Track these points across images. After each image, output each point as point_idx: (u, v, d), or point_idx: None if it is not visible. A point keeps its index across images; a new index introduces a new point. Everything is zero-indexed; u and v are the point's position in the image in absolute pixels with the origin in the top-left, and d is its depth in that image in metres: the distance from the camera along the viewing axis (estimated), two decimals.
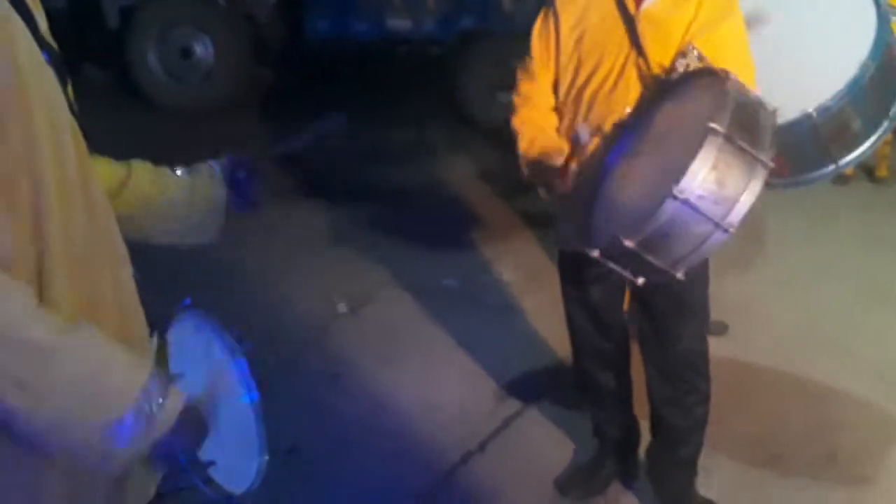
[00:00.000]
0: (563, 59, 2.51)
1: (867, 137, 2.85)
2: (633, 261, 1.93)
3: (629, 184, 2.18)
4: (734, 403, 3.27)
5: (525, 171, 2.53)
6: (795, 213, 5.01)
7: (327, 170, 6.05)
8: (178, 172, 1.59)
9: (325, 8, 7.45)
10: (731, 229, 1.83)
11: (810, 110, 2.64)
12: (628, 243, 1.86)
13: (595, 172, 2.33)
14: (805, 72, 2.72)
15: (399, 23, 7.41)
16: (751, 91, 2.02)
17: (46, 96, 1.16)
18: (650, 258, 1.90)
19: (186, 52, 7.62)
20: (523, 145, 2.54)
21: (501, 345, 3.88)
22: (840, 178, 5.56)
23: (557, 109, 2.58)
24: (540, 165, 2.45)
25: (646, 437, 2.94)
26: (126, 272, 1.36)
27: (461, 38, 7.49)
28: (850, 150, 2.88)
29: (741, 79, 2.06)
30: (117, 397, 1.16)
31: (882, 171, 6.55)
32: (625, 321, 2.82)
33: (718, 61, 2.21)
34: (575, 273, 2.70)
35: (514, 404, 3.48)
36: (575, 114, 2.52)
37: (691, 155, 1.80)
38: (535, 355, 3.83)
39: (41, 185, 1.13)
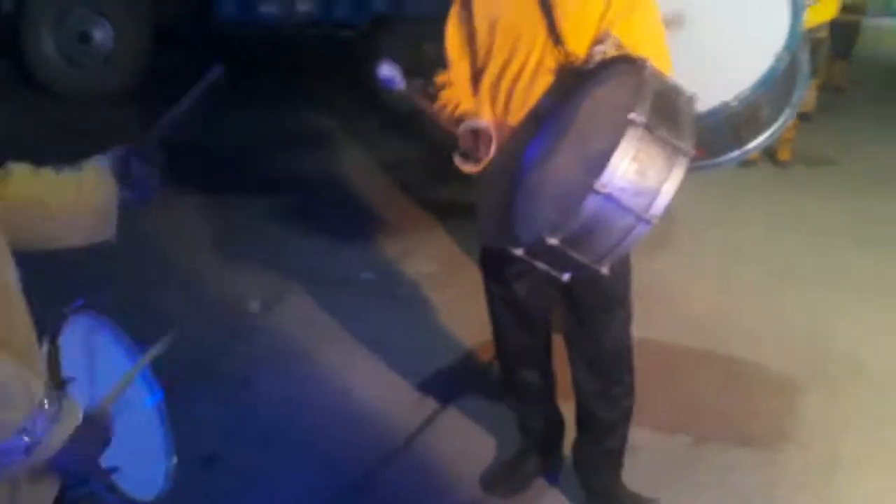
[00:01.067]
0: (478, 46, 2.46)
1: (773, 123, 3.10)
2: (557, 257, 1.91)
3: (549, 177, 2.14)
4: (653, 386, 3.26)
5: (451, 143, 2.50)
6: (704, 196, 5.07)
7: (234, 158, 5.87)
8: (60, 173, 1.50)
9: None
10: (654, 221, 1.82)
11: (729, 99, 2.72)
12: (552, 241, 1.84)
13: (513, 163, 2.29)
14: (723, 63, 2.75)
15: (308, 6, 7.23)
16: (669, 78, 2.00)
17: None
18: (574, 254, 1.88)
19: (85, 37, 7.26)
20: (445, 115, 2.52)
21: (420, 339, 3.80)
22: (745, 162, 5.70)
23: (477, 97, 2.52)
24: (462, 130, 2.41)
25: (570, 432, 2.91)
26: (8, 274, 1.29)
27: (373, 23, 7.37)
28: (757, 135, 3.11)
29: (657, 65, 2.04)
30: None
31: (784, 155, 6.75)
32: (548, 317, 2.78)
33: (634, 48, 2.20)
34: (498, 270, 2.64)
35: (434, 400, 3.40)
36: (494, 104, 2.47)
37: (611, 147, 1.78)
38: (454, 349, 3.77)
39: None
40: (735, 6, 2.88)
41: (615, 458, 2.81)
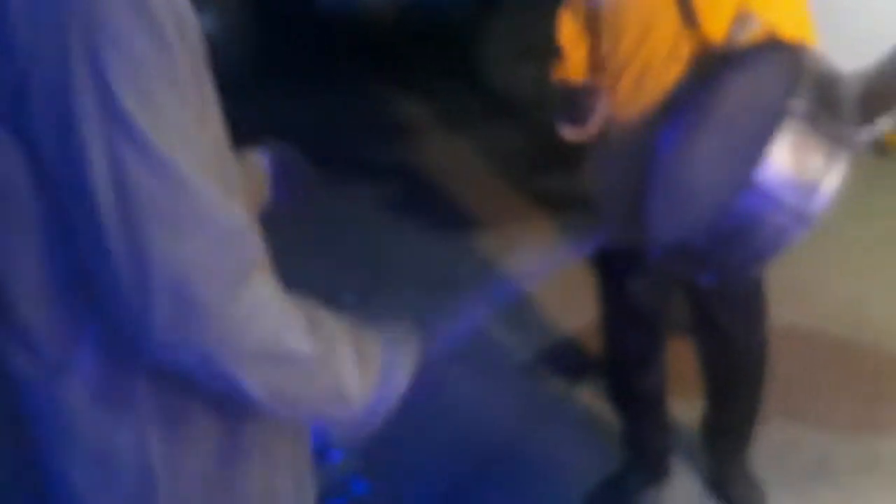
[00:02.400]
0: (601, 34, 2.27)
1: None
2: (700, 260, 1.79)
3: (692, 170, 1.97)
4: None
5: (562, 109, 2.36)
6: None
7: (332, 146, 5.78)
8: None
9: None
10: (813, 220, 1.66)
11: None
12: (699, 242, 1.72)
13: (642, 157, 2.11)
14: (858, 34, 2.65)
15: None
16: (827, 63, 1.78)
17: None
18: (721, 256, 1.75)
19: None
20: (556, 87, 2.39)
21: (524, 335, 3.61)
22: (881, 149, 5.27)
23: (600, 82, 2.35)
24: (567, 90, 2.29)
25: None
26: None
27: (480, 3, 7.15)
28: None
29: (802, 41, 1.92)
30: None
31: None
32: (665, 318, 2.61)
33: (778, 24, 2.01)
34: (617, 269, 2.48)
35: (538, 402, 3.23)
36: (619, 93, 2.28)
37: (767, 138, 1.61)
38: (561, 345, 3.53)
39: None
40: None
41: (749, 429, 2.72)
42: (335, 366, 1.12)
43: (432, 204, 4.99)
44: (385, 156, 5.73)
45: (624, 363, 2.71)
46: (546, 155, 5.86)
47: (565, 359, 3.42)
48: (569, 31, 2.35)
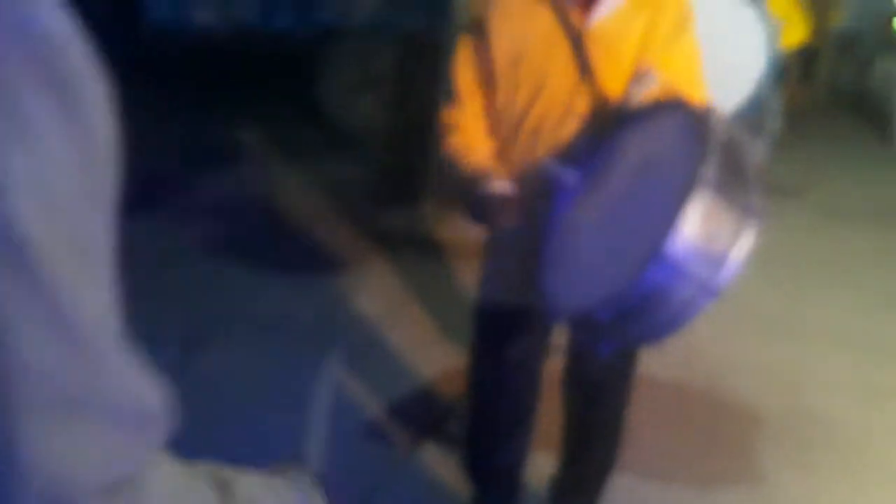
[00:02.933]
0: (499, 82, 2.13)
1: None
2: (602, 331, 1.72)
3: (593, 238, 1.87)
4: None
5: (463, 203, 2.26)
6: None
7: (160, 179, 5.39)
8: None
9: None
10: (720, 292, 1.60)
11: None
12: (602, 314, 1.63)
13: (540, 217, 1.99)
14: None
15: (248, 14, 6.81)
16: (733, 127, 1.71)
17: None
18: (624, 330, 1.69)
19: None
20: (455, 168, 2.20)
21: (364, 391, 3.38)
22: None
23: (495, 141, 2.21)
24: (476, 193, 2.10)
25: None
26: None
27: (321, 34, 6.97)
28: None
29: (698, 101, 1.89)
30: None
31: None
32: (538, 389, 2.45)
33: (674, 82, 1.96)
34: (500, 331, 2.32)
35: (381, 459, 3.00)
36: (514, 147, 2.15)
37: (677, 208, 1.54)
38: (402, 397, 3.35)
39: None
40: (712, 35, 2.68)
41: (601, 485, 2.61)
42: None
43: (267, 242, 4.68)
44: (218, 187, 5.38)
45: (489, 434, 2.50)
46: (387, 190, 5.73)
47: (413, 415, 3.23)
48: (465, 79, 2.19)
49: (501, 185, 2.10)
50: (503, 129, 2.18)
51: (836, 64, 12.70)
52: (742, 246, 1.59)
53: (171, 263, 4.33)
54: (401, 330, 3.85)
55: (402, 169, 5.58)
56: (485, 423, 2.50)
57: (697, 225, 1.54)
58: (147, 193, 5.14)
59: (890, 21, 12.81)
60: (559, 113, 2.08)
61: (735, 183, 1.60)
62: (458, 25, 5.05)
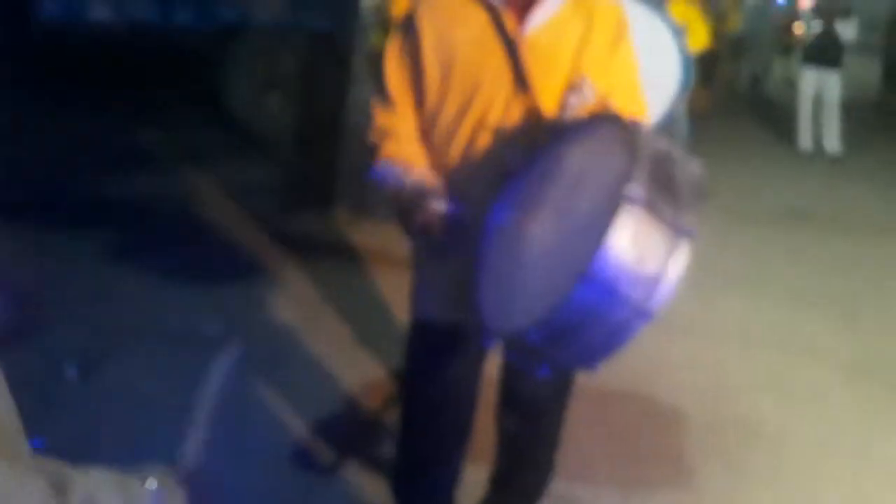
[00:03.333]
0: (427, 88, 1.99)
1: None
2: (535, 353, 1.62)
3: (523, 253, 1.77)
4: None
5: (397, 216, 2.06)
6: None
7: (52, 181, 5.09)
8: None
9: None
10: (654, 313, 1.52)
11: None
12: (533, 336, 1.54)
13: (471, 231, 1.87)
14: None
15: (145, 9, 6.51)
16: (663, 142, 1.64)
17: None
18: (557, 352, 1.60)
19: None
20: (391, 178, 2.04)
21: (279, 409, 3.21)
22: None
23: (428, 147, 2.06)
24: (408, 203, 1.97)
25: None
26: None
27: (223, 31, 6.72)
28: None
29: (636, 112, 1.85)
30: None
31: None
32: (474, 405, 2.31)
33: (611, 93, 1.90)
34: (436, 347, 2.18)
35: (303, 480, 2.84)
36: (447, 155, 2.01)
37: (604, 227, 1.46)
38: (322, 413, 3.19)
39: None
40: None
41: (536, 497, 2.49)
42: None
43: (172, 249, 4.44)
44: (116, 192, 5.10)
45: (422, 455, 2.35)
46: (298, 195, 5.56)
47: (335, 433, 3.07)
48: (395, 79, 2.05)
49: (435, 200, 1.96)
50: (435, 136, 2.04)
51: (732, 68, 13.14)
52: (675, 266, 1.52)
53: (72, 272, 4.06)
54: (316, 339, 3.69)
55: (313, 172, 5.41)
56: (418, 444, 2.35)
57: (627, 244, 1.47)
58: (44, 198, 4.84)
59: (786, 27, 13.33)
60: (493, 122, 1.96)
61: (666, 200, 1.52)
62: (367, 24, 4.94)
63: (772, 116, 10.60)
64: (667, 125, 3.08)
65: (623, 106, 1.85)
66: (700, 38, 6.72)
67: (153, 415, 2.99)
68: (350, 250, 4.74)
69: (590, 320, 1.51)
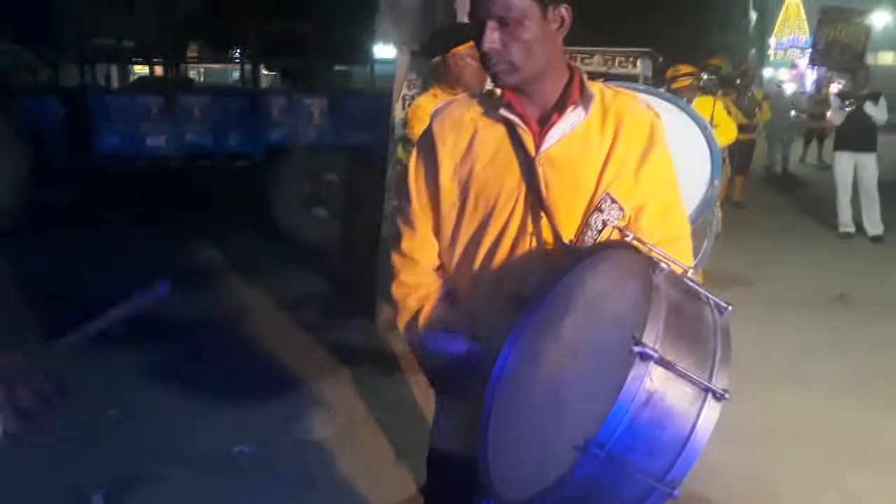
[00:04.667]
0: (445, 207, 1.76)
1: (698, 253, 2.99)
2: None
3: (531, 403, 1.46)
4: None
5: (417, 360, 1.85)
6: None
7: (103, 301, 4.99)
8: None
9: (115, 122, 6.48)
10: (679, 482, 1.21)
11: None
12: None
13: (485, 367, 1.59)
14: None
15: (199, 137, 6.57)
16: (689, 281, 1.36)
17: None
18: None
19: None
20: (406, 316, 1.81)
21: None
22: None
23: (445, 271, 1.83)
24: (435, 353, 1.74)
25: None
26: None
27: (269, 151, 6.73)
28: None
29: (671, 232, 1.66)
30: None
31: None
32: None
33: (639, 211, 1.67)
34: (451, 485, 1.84)
35: None
36: (463, 281, 1.78)
37: (612, 388, 1.18)
38: None
39: None
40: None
41: None
42: None
43: (207, 366, 4.26)
44: (164, 310, 4.97)
45: None
46: (339, 304, 5.39)
47: None
48: (416, 200, 1.82)
49: (455, 346, 1.72)
50: (452, 260, 1.81)
51: (767, 155, 12.85)
52: (701, 431, 1.21)
53: (116, 387, 3.89)
54: (350, 456, 3.42)
55: (355, 281, 5.24)
56: None
57: (637, 407, 1.17)
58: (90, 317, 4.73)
59: (815, 114, 13.03)
60: (508, 245, 1.72)
61: (691, 356, 1.23)
62: (397, 138, 4.83)
63: (809, 198, 10.20)
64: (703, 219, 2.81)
65: (652, 228, 1.63)
66: (728, 132, 6.48)
67: None
68: (390, 359, 4.50)
69: (600, 493, 1.23)
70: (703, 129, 2.91)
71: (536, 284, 1.61)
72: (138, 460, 3.26)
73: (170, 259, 5.91)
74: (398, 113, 4.79)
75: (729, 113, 7.36)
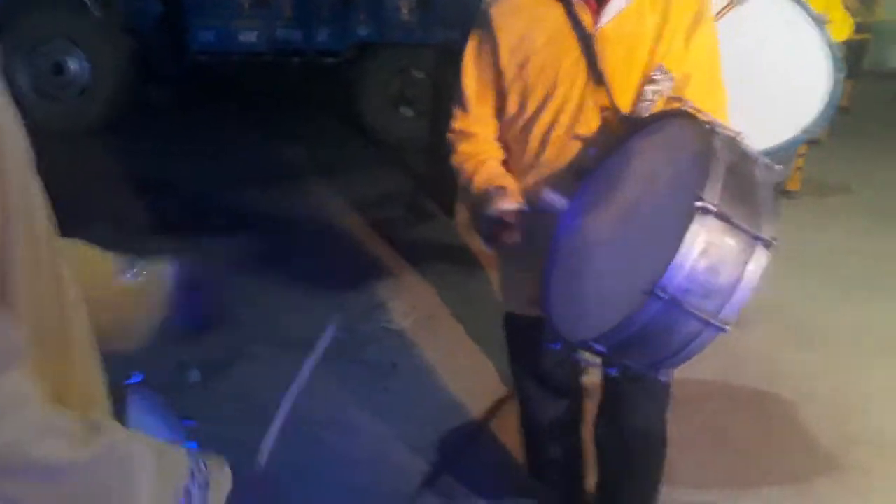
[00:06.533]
0: (505, 87, 1.90)
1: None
2: (604, 357, 1.52)
3: (590, 259, 1.67)
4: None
5: (472, 218, 2.00)
6: None
7: (204, 195, 5.22)
8: (127, 272, 1.26)
9: (209, 18, 6.58)
10: (727, 326, 1.38)
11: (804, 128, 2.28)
12: (599, 347, 1.45)
13: (547, 226, 1.77)
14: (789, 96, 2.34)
15: (289, 33, 6.61)
16: (741, 143, 1.48)
17: (16, 144, 0.86)
18: (626, 360, 1.49)
19: (59, 68, 6.67)
20: (463, 181, 2.00)
21: (391, 413, 3.11)
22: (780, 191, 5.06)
23: (505, 147, 1.98)
24: (485, 208, 1.88)
25: None
26: (96, 357, 1.07)
27: (358, 50, 6.74)
28: None
29: (714, 103, 1.73)
30: None
31: (794, 185, 6.04)
32: (580, 387, 2.33)
33: (687, 79, 1.77)
34: (525, 338, 2.13)
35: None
36: (522, 157, 1.93)
37: (674, 239, 1.33)
38: (432, 429, 3.04)
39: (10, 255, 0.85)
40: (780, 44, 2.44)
41: None
42: (120, 472, 0.93)
43: (296, 258, 4.44)
44: (253, 205, 5.17)
45: (536, 431, 2.36)
46: (419, 204, 5.48)
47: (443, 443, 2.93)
48: (471, 81, 1.96)
49: (508, 203, 1.84)
50: (511, 138, 1.95)
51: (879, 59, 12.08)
52: (750, 276, 1.36)
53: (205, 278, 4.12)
54: (431, 346, 3.58)
55: (436, 181, 5.30)
56: (532, 422, 2.35)
57: (697, 256, 1.32)
58: (194, 208, 4.98)
59: None
60: (567, 119, 1.84)
61: (744, 211, 1.36)
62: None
63: None
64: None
65: (699, 97, 1.69)
66: (842, 28, 6.11)
67: (261, 420, 2.96)
68: (467, 256, 4.60)
69: (657, 333, 1.39)
70: (818, 24, 2.74)
71: (597, 155, 1.76)
72: (232, 341, 3.47)
73: (252, 156, 6.08)
74: None
75: (847, 8, 6.92)
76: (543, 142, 1.88)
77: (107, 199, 4.99)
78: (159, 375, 3.19)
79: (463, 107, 1.98)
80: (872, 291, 4.19)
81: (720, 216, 1.33)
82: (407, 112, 6.86)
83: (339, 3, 6.60)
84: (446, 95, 6.63)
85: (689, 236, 1.32)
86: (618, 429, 2.18)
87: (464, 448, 2.94)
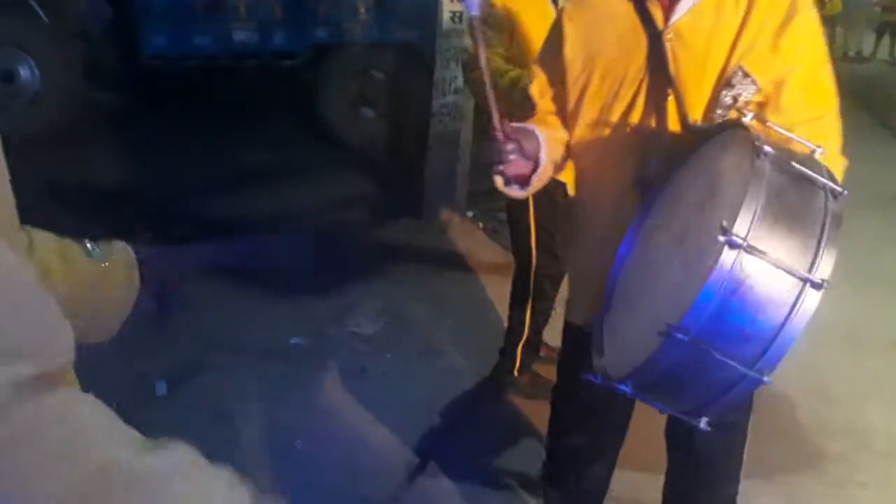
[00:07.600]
0: (570, 85, 1.74)
1: None
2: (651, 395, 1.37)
3: (645, 286, 1.50)
4: None
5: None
6: None
7: (163, 202, 5.12)
8: (90, 250, 1.20)
9: (161, 23, 6.46)
10: (768, 375, 1.22)
11: None
12: (622, 387, 1.31)
13: (613, 236, 1.63)
14: None
15: (245, 35, 6.52)
16: (802, 162, 1.27)
17: None
18: (656, 403, 1.36)
19: (8, 76, 6.51)
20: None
21: (353, 423, 3.06)
22: None
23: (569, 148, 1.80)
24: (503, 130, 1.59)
25: None
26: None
27: (315, 51, 6.67)
28: None
29: (816, 114, 1.53)
30: None
31: None
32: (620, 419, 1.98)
33: (782, 89, 1.54)
34: (577, 349, 1.80)
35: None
36: (583, 163, 1.78)
37: (703, 275, 1.18)
38: (404, 432, 3.00)
39: None
40: None
41: None
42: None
43: (261, 263, 4.37)
44: (216, 210, 5.08)
45: (565, 457, 2.05)
46: (386, 204, 5.44)
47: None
48: (539, 81, 1.82)
49: (529, 127, 1.68)
50: (573, 141, 1.78)
51: (832, 48, 12.29)
52: (795, 322, 1.19)
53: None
54: (401, 347, 3.55)
55: (403, 181, 5.27)
56: (561, 445, 2.06)
57: (724, 294, 1.17)
58: (156, 216, 4.88)
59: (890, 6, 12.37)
60: (633, 124, 1.66)
61: (790, 244, 1.19)
62: (449, 32, 4.75)
63: (872, 98, 9.81)
64: None
65: (796, 103, 1.53)
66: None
67: (230, 431, 2.91)
68: (436, 257, 4.57)
69: (688, 376, 1.25)
70: None
71: (659, 166, 1.59)
72: (198, 351, 3.40)
73: (212, 161, 5.99)
74: (447, 6, 4.69)
75: None
76: (607, 147, 1.72)
77: (62, 209, 4.86)
78: (124, 390, 3.16)
79: (532, 105, 1.84)
80: (854, 286, 4.24)
81: (751, 250, 1.17)
82: (368, 113, 6.81)
83: (293, 4, 6.54)
84: (406, 96, 6.63)
85: (714, 272, 1.17)
86: (691, 469, 1.97)
87: (435, 451, 2.91)
